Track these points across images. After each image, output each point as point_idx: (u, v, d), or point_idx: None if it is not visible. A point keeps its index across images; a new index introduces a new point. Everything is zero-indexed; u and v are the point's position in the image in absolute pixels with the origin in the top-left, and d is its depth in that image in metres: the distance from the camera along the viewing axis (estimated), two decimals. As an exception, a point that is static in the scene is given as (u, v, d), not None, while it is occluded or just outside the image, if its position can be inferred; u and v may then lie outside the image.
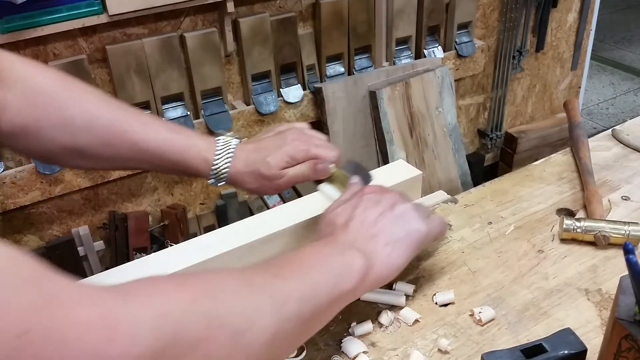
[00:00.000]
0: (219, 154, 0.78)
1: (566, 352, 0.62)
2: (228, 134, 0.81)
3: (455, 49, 2.07)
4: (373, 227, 0.65)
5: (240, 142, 0.81)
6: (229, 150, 0.78)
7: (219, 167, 0.78)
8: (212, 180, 0.79)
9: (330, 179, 0.81)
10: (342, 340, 0.71)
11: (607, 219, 0.89)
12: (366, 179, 0.82)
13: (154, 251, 1.26)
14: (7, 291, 0.35)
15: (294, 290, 0.54)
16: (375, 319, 0.74)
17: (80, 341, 0.36)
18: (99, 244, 1.70)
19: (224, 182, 0.79)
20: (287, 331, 0.52)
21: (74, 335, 0.36)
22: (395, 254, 0.65)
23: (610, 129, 1.13)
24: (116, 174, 1.63)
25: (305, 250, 0.62)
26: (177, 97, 1.65)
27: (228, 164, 0.78)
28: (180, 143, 0.77)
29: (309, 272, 0.57)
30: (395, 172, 0.97)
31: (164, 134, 0.77)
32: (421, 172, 0.97)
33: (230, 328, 0.46)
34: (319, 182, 0.81)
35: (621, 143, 1.09)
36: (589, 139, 1.07)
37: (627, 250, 0.53)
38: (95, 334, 0.37)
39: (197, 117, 1.69)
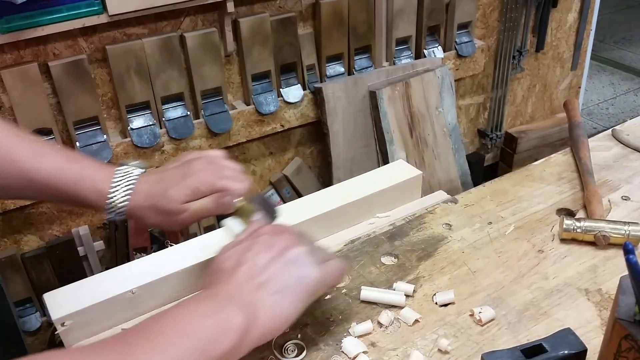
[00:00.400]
0: (116, 186, 0.73)
1: (566, 352, 0.62)
2: (133, 163, 0.76)
3: (455, 49, 2.07)
4: (262, 274, 0.61)
5: (143, 172, 0.75)
6: (128, 182, 0.73)
7: (114, 201, 0.72)
8: (110, 215, 0.73)
9: (236, 214, 0.75)
10: (342, 340, 0.71)
11: (607, 219, 0.89)
12: (272, 215, 0.76)
13: (154, 251, 1.26)
14: None
15: None
16: (375, 318, 0.74)
17: None
18: (99, 244, 1.70)
19: (123, 216, 0.74)
20: None
21: None
22: (284, 304, 0.60)
23: (610, 129, 1.13)
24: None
25: (173, 313, 0.57)
26: (177, 97, 1.65)
27: (126, 197, 0.72)
28: (73, 173, 0.73)
29: (172, 344, 0.53)
30: (395, 172, 0.97)
31: (56, 163, 0.73)
32: (421, 172, 0.97)
33: None
34: (223, 217, 0.75)
35: (621, 143, 1.09)
36: (589, 139, 1.07)
37: (627, 250, 0.53)
38: None
39: (197, 117, 1.69)
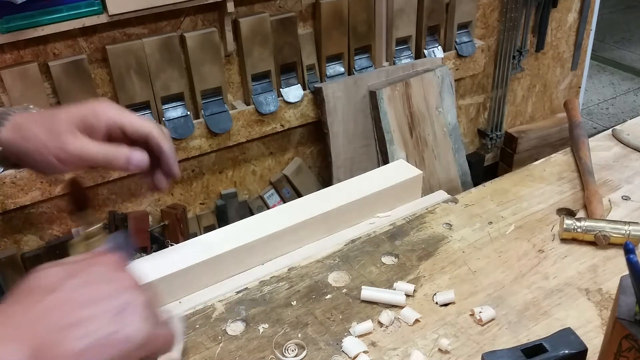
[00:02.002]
0: None
1: (566, 352, 0.62)
2: (25, 105, 0.67)
3: (455, 48, 2.07)
4: (75, 313, 0.47)
5: (18, 111, 0.66)
6: (10, 110, 0.64)
7: None
8: None
9: (81, 238, 0.66)
10: (343, 340, 0.71)
11: (607, 218, 0.89)
12: (128, 255, 0.66)
13: (154, 251, 1.26)
14: None
15: None
16: (375, 318, 0.74)
17: None
18: (99, 244, 1.70)
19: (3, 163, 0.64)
20: None
21: None
22: (87, 356, 0.45)
23: (611, 129, 1.13)
24: (116, 174, 1.63)
25: None
26: (177, 97, 1.65)
27: (3, 121, 0.63)
28: None
29: None
30: (396, 172, 0.97)
31: None
32: (421, 172, 0.97)
33: None
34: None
35: (621, 143, 1.09)
36: (589, 139, 1.07)
37: (628, 250, 0.53)
38: None
39: (197, 117, 1.69)
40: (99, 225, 0.66)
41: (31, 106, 0.67)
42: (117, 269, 0.52)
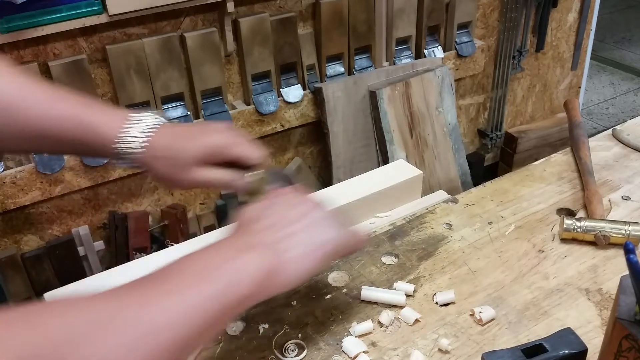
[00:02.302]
0: (126, 132, 0.70)
1: (566, 351, 0.62)
2: (152, 113, 0.74)
3: (455, 48, 2.07)
4: (283, 229, 0.61)
5: (161, 123, 0.73)
6: (147, 129, 0.71)
7: (121, 146, 0.70)
8: (117, 161, 0.72)
9: (250, 189, 0.75)
10: (343, 340, 0.71)
11: (607, 218, 0.89)
12: (290, 184, 0.76)
13: (154, 251, 1.26)
14: None
15: (168, 316, 0.48)
16: (375, 318, 0.74)
17: None
18: (99, 244, 1.70)
19: (128, 164, 0.72)
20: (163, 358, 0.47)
21: None
22: (302, 259, 0.60)
23: (611, 129, 1.13)
24: (116, 174, 1.63)
25: (194, 258, 0.56)
26: (177, 97, 1.65)
27: (134, 144, 0.71)
28: (85, 123, 0.70)
29: (191, 287, 0.52)
30: (396, 172, 0.97)
31: (69, 112, 0.70)
32: (421, 172, 0.97)
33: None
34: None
35: (621, 143, 1.09)
36: (589, 139, 1.07)
37: (628, 250, 0.53)
38: None
39: (197, 117, 1.69)
40: (255, 172, 0.74)
41: (160, 117, 0.74)
42: (299, 195, 0.67)
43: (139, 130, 0.71)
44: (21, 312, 0.43)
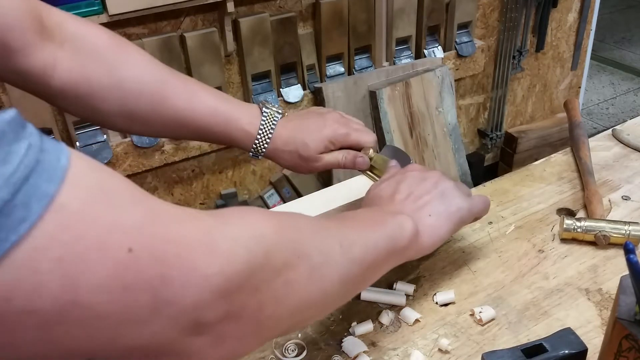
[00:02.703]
0: (262, 130, 0.79)
1: (566, 352, 0.62)
2: (273, 106, 0.81)
3: (455, 48, 2.07)
4: (418, 200, 0.68)
5: (282, 116, 0.82)
6: (272, 126, 0.80)
7: (259, 142, 0.79)
8: (252, 154, 0.81)
9: (372, 167, 0.83)
10: (343, 340, 0.71)
11: (607, 218, 0.89)
12: (405, 161, 0.82)
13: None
14: (114, 210, 0.35)
15: (358, 238, 0.56)
16: (375, 318, 0.74)
17: (180, 258, 0.37)
18: (99, 244, 1.70)
19: (262, 156, 0.81)
20: (353, 273, 0.53)
21: (174, 252, 0.37)
22: (439, 225, 0.67)
23: (611, 129, 1.13)
24: (120, 171, 1.62)
25: (360, 212, 0.65)
26: (177, 97, 1.65)
27: (269, 140, 0.80)
28: (224, 115, 0.77)
29: (368, 227, 0.59)
30: (396, 172, 0.97)
31: (208, 104, 0.77)
32: (421, 172, 0.97)
33: (309, 259, 0.48)
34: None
35: (621, 143, 1.09)
36: (589, 139, 1.07)
37: (628, 250, 0.53)
38: (194, 251, 0.38)
39: (197, 117, 1.69)
40: (371, 150, 0.83)
41: (279, 109, 0.82)
42: (422, 170, 0.73)
43: (269, 126, 0.80)
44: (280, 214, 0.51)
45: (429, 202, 0.68)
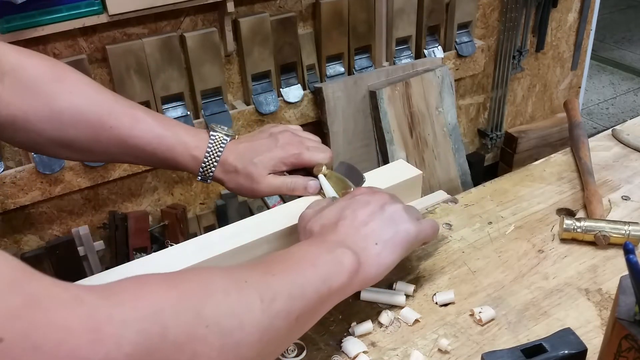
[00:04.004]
0: (209, 153, 0.78)
1: (566, 352, 0.62)
2: (222, 129, 0.80)
3: (455, 48, 2.07)
4: (363, 227, 0.65)
5: (232, 139, 0.80)
6: (219, 149, 0.78)
7: (207, 166, 0.78)
8: (200, 178, 0.79)
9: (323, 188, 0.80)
10: (342, 340, 0.71)
11: (607, 218, 0.89)
12: (359, 180, 0.81)
13: (154, 251, 1.26)
14: None
15: (283, 287, 0.53)
16: (375, 318, 0.74)
17: (61, 345, 0.35)
18: (99, 244, 1.70)
19: (210, 181, 0.80)
20: (276, 329, 0.51)
21: (54, 340, 0.35)
22: (385, 254, 0.64)
23: (611, 129, 1.13)
24: (116, 174, 1.63)
25: (294, 249, 0.62)
26: (177, 97, 1.65)
27: (216, 164, 0.78)
28: (169, 141, 0.77)
29: (298, 270, 0.57)
30: (395, 172, 0.97)
31: (153, 130, 0.76)
32: (421, 172, 0.97)
33: (219, 327, 0.45)
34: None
35: (621, 143, 1.09)
36: (589, 139, 1.07)
37: (628, 250, 0.53)
38: (77, 337, 0.36)
39: (197, 117, 1.69)
40: (324, 167, 0.80)
41: (229, 132, 0.81)
42: (369, 193, 0.70)
43: (217, 149, 0.78)
44: (160, 276, 0.48)
45: (375, 229, 0.65)
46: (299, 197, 0.81)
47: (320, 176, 0.79)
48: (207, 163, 0.78)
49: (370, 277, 0.63)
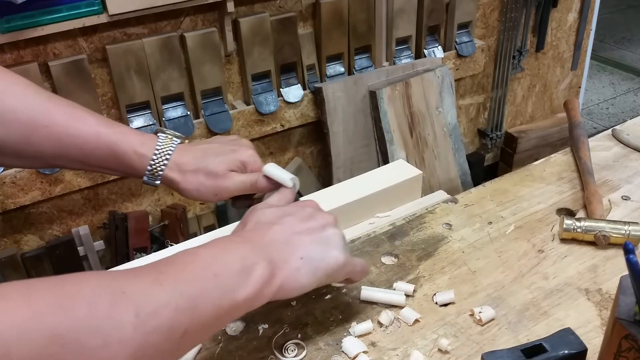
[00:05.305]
0: (159, 151, 0.73)
1: (566, 352, 0.62)
2: (168, 132, 0.76)
3: (455, 48, 2.07)
4: (294, 237, 0.62)
5: (182, 141, 0.77)
6: (170, 149, 0.74)
7: (155, 164, 0.73)
8: (146, 178, 0.74)
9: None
10: (342, 340, 0.71)
11: (607, 218, 0.89)
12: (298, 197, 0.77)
13: (154, 251, 1.26)
14: None
15: (169, 299, 0.49)
16: (375, 318, 0.74)
17: None
18: (99, 244, 1.70)
19: (159, 181, 0.74)
20: (154, 346, 0.47)
21: None
22: (304, 271, 0.61)
23: (611, 129, 1.13)
24: (116, 174, 1.63)
25: (203, 251, 0.57)
26: (177, 97, 1.65)
27: (167, 162, 0.73)
28: (111, 137, 0.71)
29: (195, 279, 0.53)
30: (395, 172, 0.97)
31: (93, 128, 0.71)
32: (421, 172, 0.97)
33: (77, 345, 0.42)
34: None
35: (621, 143, 1.09)
36: (589, 139, 1.07)
37: (628, 250, 0.53)
38: None
39: (197, 117, 1.69)
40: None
41: (178, 137, 0.77)
42: (318, 209, 0.68)
43: (168, 148, 0.74)
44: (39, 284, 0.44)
45: (306, 243, 0.62)
46: (259, 200, 0.77)
47: (269, 166, 0.74)
48: (156, 161, 0.73)
49: (285, 290, 0.59)
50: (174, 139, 0.75)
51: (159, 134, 0.75)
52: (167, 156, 0.73)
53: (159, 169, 0.73)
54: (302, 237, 0.63)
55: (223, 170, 0.73)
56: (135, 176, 0.74)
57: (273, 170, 0.74)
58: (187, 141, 0.78)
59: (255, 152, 0.77)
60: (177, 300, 0.50)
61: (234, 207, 0.80)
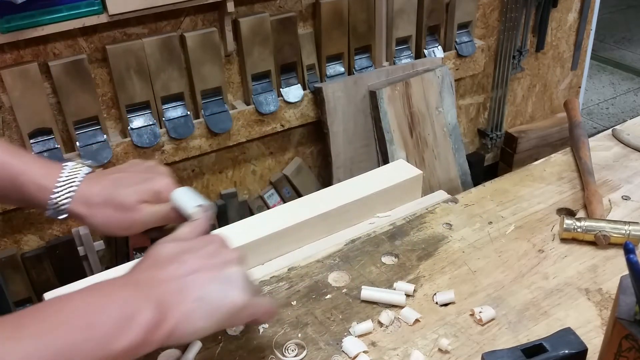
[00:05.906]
0: (63, 182, 0.68)
1: (566, 351, 0.62)
2: (78, 161, 0.72)
3: (455, 48, 2.07)
4: (189, 277, 0.57)
5: (90, 171, 0.72)
6: (74, 179, 0.69)
7: (59, 196, 0.68)
8: (50, 212, 0.69)
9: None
10: (343, 340, 0.71)
11: (607, 218, 0.89)
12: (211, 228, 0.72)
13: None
14: None
15: (29, 355, 0.46)
16: (375, 318, 0.74)
17: None
18: (99, 244, 1.70)
19: (65, 215, 0.69)
20: None
21: None
22: (200, 313, 0.56)
23: (611, 129, 1.13)
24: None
25: (76, 298, 0.53)
26: (177, 97, 1.65)
27: (72, 194, 0.68)
28: (14, 169, 0.68)
29: (63, 331, 0.49)
30: (396, 172, 0.97)
31: None
32: (421, 172, 0.97)
33: None
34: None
35: (621, 143, 1.09)
36: (589, 139, 1.07)
37: (628, 250, 0.53)
38: None
39: (197, 117, 1.69)
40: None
41: (87, 164, 0.72)
42: (223, 246, 0.62)
43: (73, 179, 0.69)
44: None
45: (204, 283, 0.57)
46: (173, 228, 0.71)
47: (178, 192, 0.70)
48: (59, 194, 0.68)
49: (178, 334, 0.55)
50: (80, 169, 0.70)
51: (64, 164, 0.71)
52: (73, 188, 0.68)
53: (62, 202, 0.68)
54: (200, 276, 0.58)
55: (133, 202, 0.68)
56: (39, 208, 0.69)
57: (180, 198, 0.69)
58: (95, 170, 0.74)
59: (172, 179, 0.72)
60: (38, 356, 0.46)
61: (150, 238, 0.75)
